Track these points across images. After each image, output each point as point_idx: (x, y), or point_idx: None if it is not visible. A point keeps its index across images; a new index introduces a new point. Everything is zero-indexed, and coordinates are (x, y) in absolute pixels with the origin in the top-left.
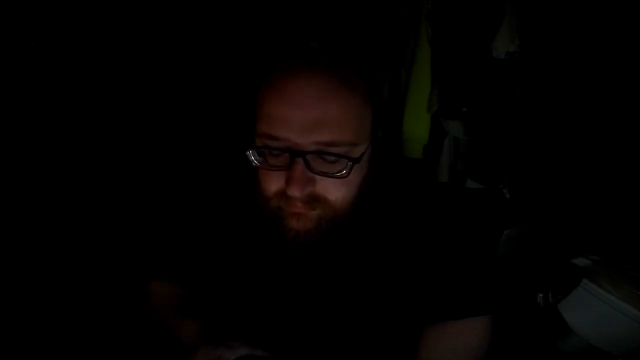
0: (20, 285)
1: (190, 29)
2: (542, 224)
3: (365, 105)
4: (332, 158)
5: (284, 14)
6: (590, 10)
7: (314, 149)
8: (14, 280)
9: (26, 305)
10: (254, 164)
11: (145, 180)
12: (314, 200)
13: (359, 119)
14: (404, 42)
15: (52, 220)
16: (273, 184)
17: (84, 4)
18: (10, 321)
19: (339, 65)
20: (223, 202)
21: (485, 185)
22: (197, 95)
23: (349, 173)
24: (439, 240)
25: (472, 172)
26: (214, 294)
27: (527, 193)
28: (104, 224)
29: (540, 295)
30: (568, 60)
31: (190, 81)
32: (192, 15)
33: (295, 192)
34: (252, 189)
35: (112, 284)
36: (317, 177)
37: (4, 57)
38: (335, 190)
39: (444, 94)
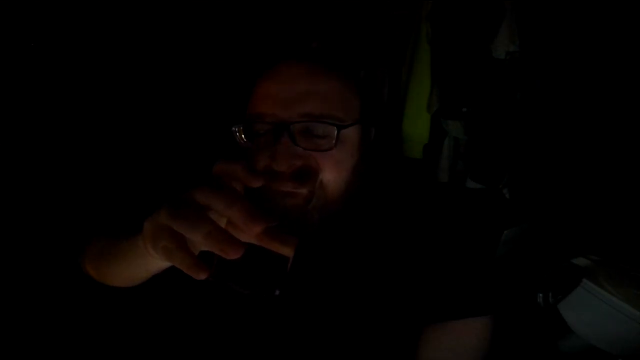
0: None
1: (193, 32)
2: (542, 224)
3: (351, 91)
4: (319, 131)
5: (287, 15)
6: (590, 10)
7: (298, 120)
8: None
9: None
10: (240, 141)
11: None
12: (303, 177)
13: (344, 98)
14: (404, 42)
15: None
16: (260, 162)
17: (84, 4)
18: None
19: (328, 60)
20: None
21: (485, 185)
22: (197, 95)
23: (335, 142)
24: (439, 240)
25: (472, 172)
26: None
27: (527, 193)
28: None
29: (540, 295)
30: (568, 60)
31: (190, 83)
32: (196, 18)
33: (281, 164)
34: None
35: None
36: (306, 153)
37: (4, 57)
38: (325, 169)
39: (444, 94)
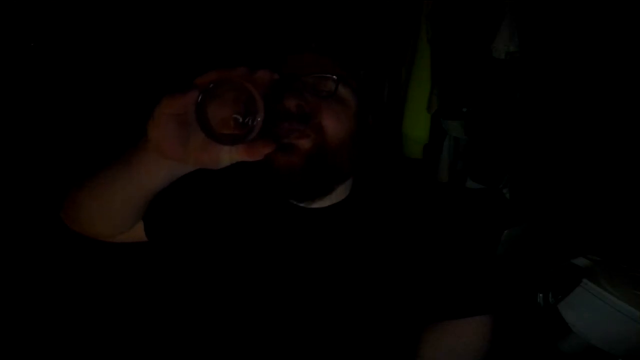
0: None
1: (196, 32)
2: (542, 224)
3: (347, 73)
4: (323, 88)
5: (289, 16)
6: (591, 10)
7: (307, 73)
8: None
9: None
10: None
11: None
12: (306, 119)
13: (342, 74)
14: (404, 42)
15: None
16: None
17: (84, 4)
18: None
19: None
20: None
21: (485, 185)
22: None
23: (335, 91)
24: (440, 239)
25: (472, 172)
26: (204, 256)
27: (527, 193)
28: None
29: (540, 295)
30: (568, 60)
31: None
32: (200, 18)
33: (290, 102)
34: None
35: None
36: (312, 101)
37: (4, 57)
38: (325, 115)
39: (444, 94)
